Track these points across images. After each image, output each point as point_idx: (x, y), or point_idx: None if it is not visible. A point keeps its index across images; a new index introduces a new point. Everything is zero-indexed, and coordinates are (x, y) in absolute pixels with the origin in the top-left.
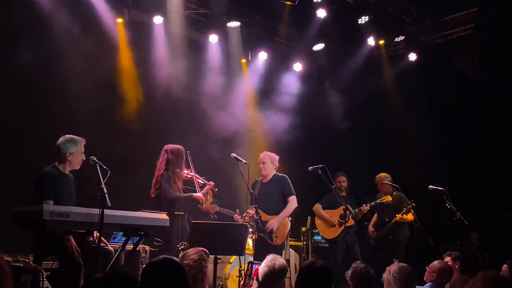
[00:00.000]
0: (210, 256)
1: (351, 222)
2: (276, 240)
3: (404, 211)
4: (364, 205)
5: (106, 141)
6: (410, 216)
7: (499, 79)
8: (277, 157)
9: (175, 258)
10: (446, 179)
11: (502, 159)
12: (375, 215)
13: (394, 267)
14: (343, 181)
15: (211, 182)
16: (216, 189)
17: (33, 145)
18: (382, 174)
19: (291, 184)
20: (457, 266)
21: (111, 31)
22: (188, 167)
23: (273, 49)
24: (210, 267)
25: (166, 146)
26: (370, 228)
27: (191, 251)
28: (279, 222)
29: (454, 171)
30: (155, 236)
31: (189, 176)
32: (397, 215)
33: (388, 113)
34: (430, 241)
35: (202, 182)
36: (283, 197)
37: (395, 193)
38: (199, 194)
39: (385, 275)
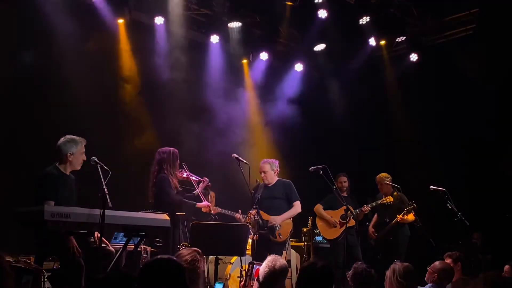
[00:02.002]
0: (211, 256)
1: (352, 222)
2: (279, 237)
3: (405, 211)
4: (365, 205)
5: (107, 142)
6: (410, 217)
7: (501, 80)
8: (276, 162)
9: (173, 257)
10: (448, 180)
11: (504, 160)
12: (375, 215)
13: (398, 267)
14: (344, 182)
15: (205, 178)
16: (210, 184)
17: (35, 146)
18: (383, 174)
19: (295, 190)
20: (458, 268)
21: (112, 32)
22: (180, 168)
23: (274, 50)
24: (203, 267)
25: (158, 150)
26: (371, 229)
27: (184, 251)
28: (282, 220)
29: (455, 171)
30: (156, 236)
31: (184, 176)
32: (398, 215)
33: (390, 113)
34: (431, 242)
35: (197, 180)
36: (287, 201)
37: (395, 193)
38: (204, 204)
39: (388, 273)
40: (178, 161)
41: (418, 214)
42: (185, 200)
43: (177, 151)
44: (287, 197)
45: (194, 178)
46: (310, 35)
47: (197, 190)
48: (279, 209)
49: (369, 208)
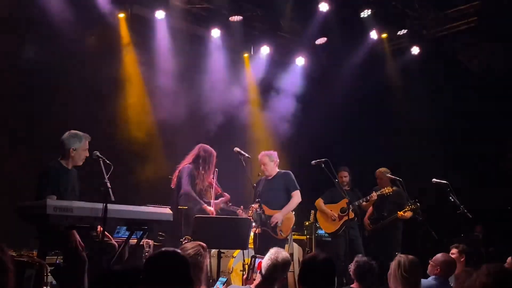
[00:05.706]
0: (214, 250)
1: (351, 215)
2: (281, 234)
3: (407, 209)
4: (374, 192)
5: (109, 136)
6: (409, 214)
7: (503, 72)
8: (275, 153)
9: (177, 250)
10: (450, 173)
11: (506, 153)
12: (370, 207)
13: (403, 260)
14: (345, 176)
15: (227, 195)
16: (230, 203)
17: (37, 141)
18: (382, 169)
19: (294, 179)
20: (462, 259)
21: (113, 26)
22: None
23: (275, 44)
24: (207, 261)
25: (201, 144)
26: (366, 220)
27: (188, 245)
28: (284, 216)
29: (458, 164)
30: (159, 230)
31: (212, 182)
32: (398, 212)
33: (391, 107)
34: (434, 235)
35: (219, 192)
36: (287, 192)
37: (394, 187)
38: (210, 208)
39: (392, 266)
40: (214, 165)
41: (421, 207)
42: (194, 195)
43: (215, 154)
44: (286, 188)
45: (219, 188)
46: (312, 29)
47: (212, 201)
48: (280, 202)
49: (377, 196)
